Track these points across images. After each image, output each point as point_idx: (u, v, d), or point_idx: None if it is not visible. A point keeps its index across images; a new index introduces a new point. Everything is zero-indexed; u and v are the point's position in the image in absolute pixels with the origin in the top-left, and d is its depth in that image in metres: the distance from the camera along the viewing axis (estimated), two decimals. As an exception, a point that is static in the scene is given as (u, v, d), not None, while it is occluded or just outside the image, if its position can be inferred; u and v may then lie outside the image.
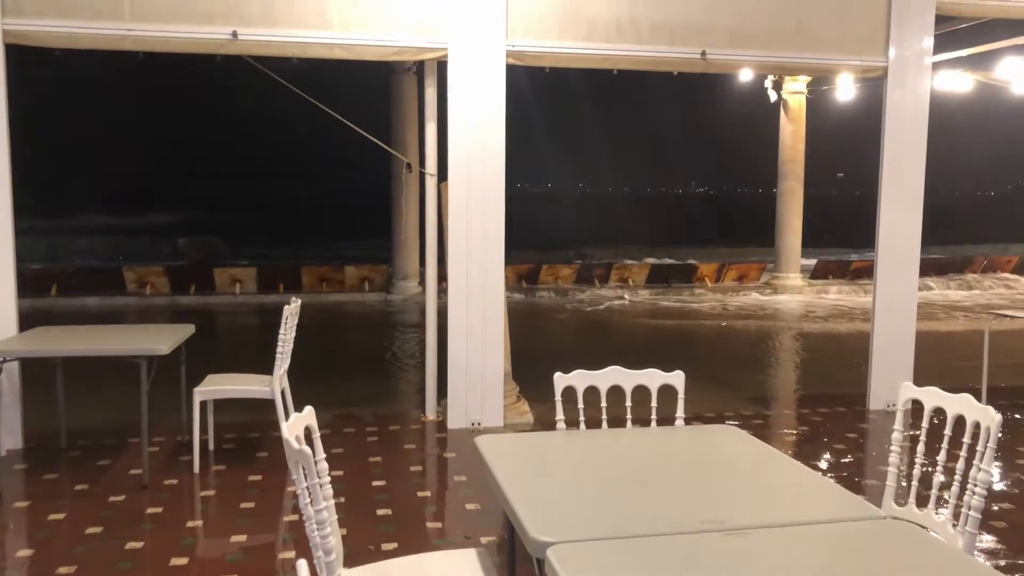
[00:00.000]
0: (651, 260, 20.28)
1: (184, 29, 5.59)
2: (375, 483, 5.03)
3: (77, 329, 5.73)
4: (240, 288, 14.27)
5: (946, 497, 2.72)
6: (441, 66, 6.12)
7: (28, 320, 5.71)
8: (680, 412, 3.37)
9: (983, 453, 2.53)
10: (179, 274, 14.51)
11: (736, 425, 3.30)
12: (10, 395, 5.47)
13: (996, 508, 4.60)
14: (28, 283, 12.58)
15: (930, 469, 2.76)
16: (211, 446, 5.56)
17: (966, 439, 2.66)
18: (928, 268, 16.00)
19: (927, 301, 14.06)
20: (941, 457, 2.77)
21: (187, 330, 5.42)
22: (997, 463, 5.28)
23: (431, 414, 6.49)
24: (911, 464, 2.92)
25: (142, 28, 5.52)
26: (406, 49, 5.99)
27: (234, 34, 5.63)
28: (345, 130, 6.75)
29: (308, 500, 2.28)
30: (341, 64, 6.05)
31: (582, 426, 3.29)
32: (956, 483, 2.70)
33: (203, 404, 5.23)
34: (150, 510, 4.58)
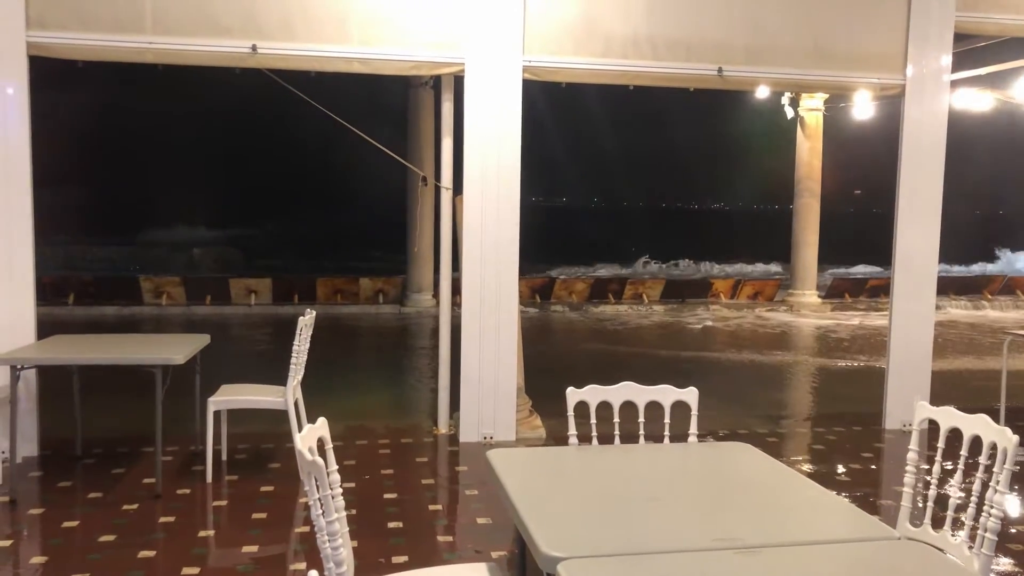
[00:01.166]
0: (666, 275, 20.23)
1: (204, 42, 5.65)
2: (387, 496, 5.03)
3: (93, 338, 5.78)
4: (255, 299, 14.34)
5: (962, 519, 2.69)
6: (458, 80, 6.15)
7: (45, 328, 5.75)
8: (693, 428, 3.35)
9: (1000, 475, 2.50)
10: (195, 284, 14.60)
11: (750, 442, 3.28)
12: (27, 403, 5.51)
13: (1013, 531, 4.54)
14: (46, 292, 12.71)
15: (946, 490, 2.73)
16: (224, 456, 5.58)
17: (983, 460, 2.63)
18: (946, 287, 15.87)
19: (947, 320, 13.94)
20: (957, 478, 2.74)
21: (202, 340, 5.45)
22: (1015, 486, 5.22)
23: (443, 427, 6.49)
24: (927, 485, 2.89)
25: (163, 41, 5.59)
26: (423, 64, 6.03)
27: (253, 47, 5.68)
28: (361, 142, 6.80)
29: (320, 512, 2.28)
30: (358, 78, 6.09)
31: (595, 441, 3.28)
32: (972, 504, 2.67)
33: (217, 414, 5.25)
34: (163, 519, 4.59)
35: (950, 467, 4.94)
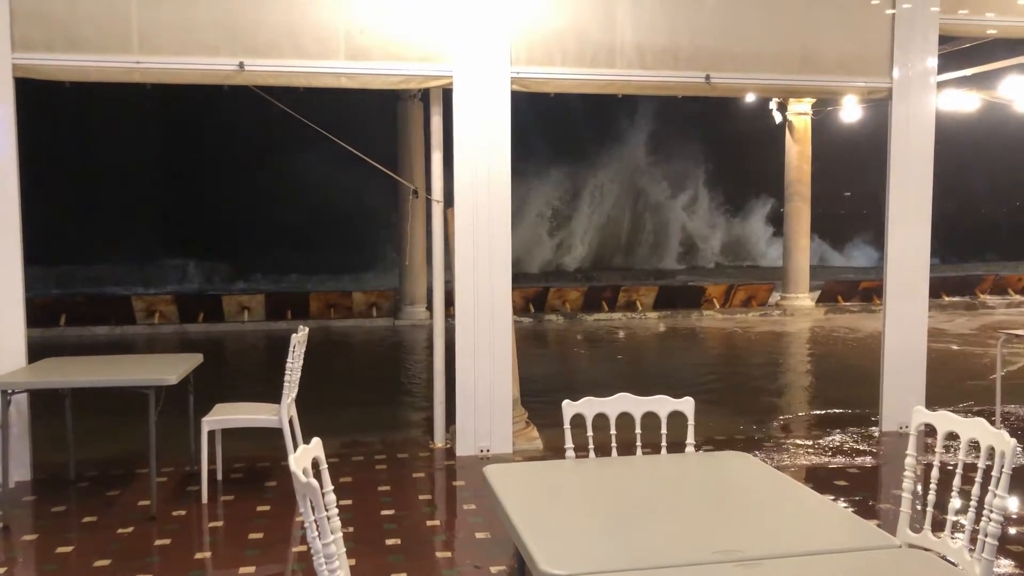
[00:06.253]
0: (659, 282, 20.22)
1: (191, 61, 5.64)
2: (384, 512, 5.00)
3: (85, 360, 5.74)
4: (248, 315, 14.29)
5: (962, 522, 2.68)
6: (446, 93, 6.15)
7: (38, 351, 5.71)
8: (691, 438, 3.34)
9: (999, 478, 2.49)
10: (188, 302, 14.53)
11: (747, 448, 3.26)
12: (18, 427, 5.46)
13: (1014, 532, 4.53)
14: (37, 314, 12.62)
15: (946, 494, 2.72)
16: (219, 476, 5.53)
17: (981, 464, 2.62)
18: (938, 287, 15.90)
19: (939, 321, 13.96)
20: (956, 482, 2.73)
21: (195, 359, 5.42)
22: (1015, 490, 5.21)
23: (439, 441, 6.46)
24: (926, 489, 2.88)
25: (150, 60, 5.58)
26: (412, 77, 6.03)
27: (241, 65, 5.67)
28: (351, 156, 6.78)
29: (316, 534, 2.26)
30: (347, 92, 6.09)
31: (591, 454, 3.27)
32: (972, 508, 2.66)
33: (211, 434, 5.22)
34: (158, 542, 4.55)
35: (949, 471, 4.93)
